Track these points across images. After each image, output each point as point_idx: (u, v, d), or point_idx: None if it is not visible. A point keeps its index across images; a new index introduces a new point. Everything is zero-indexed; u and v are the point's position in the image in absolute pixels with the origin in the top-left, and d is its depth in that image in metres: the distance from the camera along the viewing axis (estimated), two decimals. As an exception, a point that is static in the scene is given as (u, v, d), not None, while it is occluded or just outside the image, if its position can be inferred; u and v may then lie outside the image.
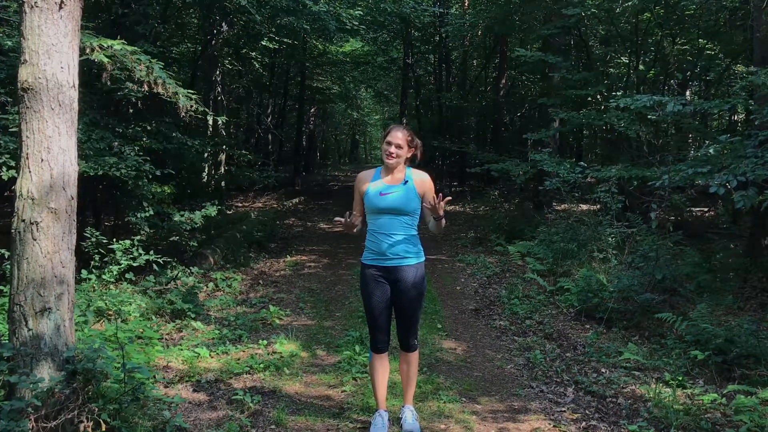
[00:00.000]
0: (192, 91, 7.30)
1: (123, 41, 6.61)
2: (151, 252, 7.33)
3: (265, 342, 6.05)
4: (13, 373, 3.47)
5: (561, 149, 15.51)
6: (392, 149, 4.02)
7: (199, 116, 7.76)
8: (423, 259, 4.29)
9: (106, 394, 3.78)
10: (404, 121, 27.04)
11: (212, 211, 8.72)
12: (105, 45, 6.30)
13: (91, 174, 7.20)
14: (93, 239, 7.27)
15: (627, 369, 5.52)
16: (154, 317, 6.63)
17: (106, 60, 6.34)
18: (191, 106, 7.13)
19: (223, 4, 12.15)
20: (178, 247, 9.10)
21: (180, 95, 6.94)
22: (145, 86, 6.79)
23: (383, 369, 4.25)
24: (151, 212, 8.12)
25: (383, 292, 4.15)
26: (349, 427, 4.30)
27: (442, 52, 24.17)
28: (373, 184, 4.15)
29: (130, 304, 6.51)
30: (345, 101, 32.07)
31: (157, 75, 6.73)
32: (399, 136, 4.06)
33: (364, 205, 4.22)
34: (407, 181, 4.11)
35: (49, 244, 3.54)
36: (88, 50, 6.13)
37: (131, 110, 9.64)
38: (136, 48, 6.69)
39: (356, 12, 12.71)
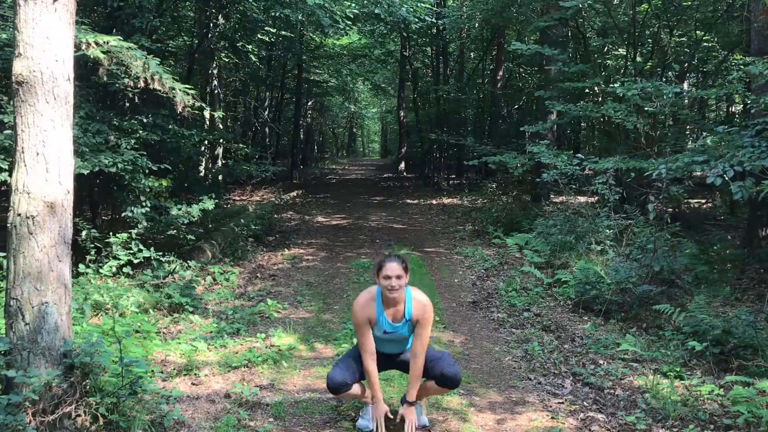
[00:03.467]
0: (189, 86, 7.27)
1: (119, 37, 6.58)
2: (152, 249, 7.32)
3: (263, 335, 6.05)
4: (10, 367, 3.46)
5: (558, 141, 15.49)
6: (394, 282, 3.98)
7: (196, 111, 7.73)
8: None
9: (104, 388, 3.77)
10: (401, 114, 27.07)
11: (209, 204, 8.70)
12: (101, 41, 6.27)
13: (85, 173, 7.17)
14: (86, 233, 7.25)
15: (625, 360, 5.53)
16: (151, 311, 6.63)
17: (102, 56, 6.31)
18: (188, 102, 7.11)
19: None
20: (175, 240, 9.09)
21: (177, 90, 6.92)
22: (142, 82, 6.77)
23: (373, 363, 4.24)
24: (149, 207, 8.11)
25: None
26: (347, 420, 4.31)
27: (439, 45, 24.11)
28: (379, 321, 4.10)
29: (128, 298, 6.50)
30: (342, 94, 32.04)
31: (153, 71, 6.71)
32: (395, 267, 4.00)
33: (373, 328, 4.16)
34: (408, 320, 4.10)
35: (46, 238, 3.53)
36: (84, 46, 6.10)
37: (127, 103, 9.61)
38: (131, 44, 6.66)
39: (349, 5, 12.67)
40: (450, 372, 4.06)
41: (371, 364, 4.08)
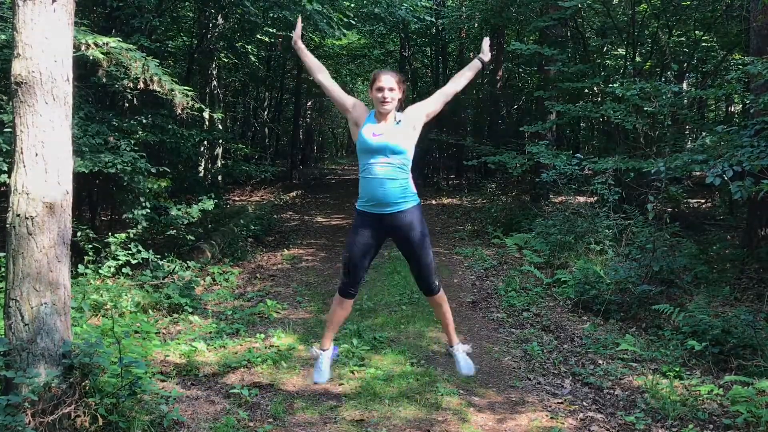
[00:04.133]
0: (188, 88, 7.27)
1: (118, 38, 6.58)
2: (150, 251, 7.32)
3: (262, 335, 6.05)
4: (9, 368, 3.46)
5: (558, 141, 15.49)
6: (386, 93, 3.93)
7: (195, 112, 7.74)
8: (419, 201, 4.24)
9: (103, 389, 3.77)
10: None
11: (209, 204, 8.70)
12: (100, 42, 6.27)
13: (86, 172, 7.17)
14: (83, 234, 7.25)
15: (624, 360, 5.53)
16: (151, 311, 6.63)
17: (101, 57, 6.31)
18: (187, 103, 7.11)
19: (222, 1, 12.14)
20: (175, 241, 9.09)
21: (176, 92, 6.92)
22: (141, 83, 6.77)
23: (343, 312, 4.36)
24: (148, 209, 8.10)
25: (368, 241, 4.11)
26: (346, 420, 4.31)
27: (438, 45, 24.11)
28: (367, 126, 4.04)
29: (127, 299, 6.50)
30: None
31: (153, 72, 6.71)
32: (390, 78, 3.96)
33: (356, 140, 4.11)
34: (399, 122, 4.03)
35: (45, 239, 3.53)
36: (83, 47, 6.11)
37: (127, 104, 9.61)
38: (131, 46, 6.66)
39: (349, 5, 12.66)
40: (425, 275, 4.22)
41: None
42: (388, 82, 3.93)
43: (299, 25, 4.38)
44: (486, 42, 4.48)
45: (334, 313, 4.39)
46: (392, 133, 4.00)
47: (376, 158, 4.00)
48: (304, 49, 4.31)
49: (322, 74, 4.23)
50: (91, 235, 7.39)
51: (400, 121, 4.02)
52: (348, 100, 4.16)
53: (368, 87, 4.07)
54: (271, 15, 11.43)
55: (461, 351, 4.49)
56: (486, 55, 4.40)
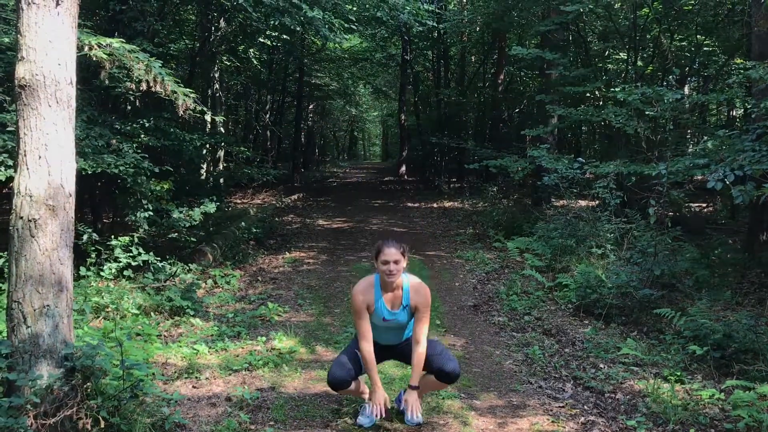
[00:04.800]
0: (190, 90, 7.28)
1: (121, 39, 6.59)
2: (151, 253, 7.33)
3: (263, 338, 6.06)
4: (11, 370, 3.47)
5: (559, 145, 15.53)
6: (392, 266, 4.04)
7: (197, 115, 7.75)
8: None
9: (105, 391, 3.78)
10: (402, 117, 27.12)
11: (211, 207, 8.71)
12: (103, 43, 6.28)
13: (90, 172, 7.19)
14: (86, 237, 7.26)
15: (625, 364, 5.53)
16: (152, 314, 6.63)
17: (104, 57, 6.32)
18: (190, 105, 7.12)
19: (221, 1, 12.13)
20: (176, 243, 9.10)
21: (179, 93, 6.92)
22: (144, 85, 6.77)
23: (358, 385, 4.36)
24: (150, 212, 8.12)
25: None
26: (347, 424, 4.31)
27: (440, 49, 24.15)
28: (377, 311, 4.17)
29: (129, 301, 6.51)
30: (343, 97, 32.01)
31: (156, 73, 6.72)
32: (393, 252, 4.06)
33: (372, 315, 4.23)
34: (406, 306, 4.17)
35: (48, 242, 3.54)
36: (86, 48, 6.11)
37: (129, 107, 9.63)
38: (134, 47, 6.67)
39: (350, 9, 12.67)
40: (449, 367, 4.10)
41: (368, 348, 4.12)
42: (393, 255, 4.06)
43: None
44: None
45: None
46: (399, 317, 4.21)
47: (384, 331, 4.27)
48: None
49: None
50: (93, 237, 7.40)
51: (406, 306, 4.18)
52: (365, 311, 4.18)
53: (373, 257, 4.19)
54: (272, 22, 11.45)
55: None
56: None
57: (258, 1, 9.10)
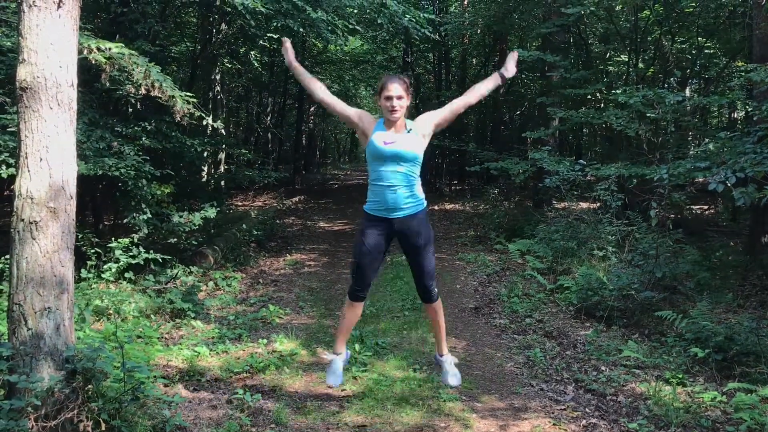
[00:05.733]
0: (190, 94, 7.28)
1: (121, 44, 6.59)
2: (150, 251, 7.32)
3: (264, 341, 6.05)
4: (12, 372, 3.46)
5: (560, 147, 15.52)
6: (395, 102, 3.95)
7: (195, 122, 7.75)
8: (425, 205, 4.27)
9: (106, 394, 3.77)
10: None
11: (211, 212, 8.70)
12: (103, 47, 6.29)
13: (90, 174, 7.19)
14: (85, 238, 7.26)
15: (627, 367, 5.52)
16: (153, 316, 6.63)
17: (104, 61, 6.33)
18: (188, 110, 7.11)
19: (222, 7, 12.14)
20: (177, 246, 9.10)
21: (177, 99, 6.92)
22: (143, 89, 6.78)
23: (354, 316, 4.40)
24: (149, 215, 8.11)
25: (377, 244, 4.15)
26: (348, 426, 4.30)
27: (441, 51, 24.14)
28: (377, 134, 4.06)
29: (130, 304, 6.50)
30: (345, 100, 32.00)
31: (154, 78, 6.72)
32: (397, 86, 3.97)
33: (366, 148, 4.13)
34: (410, 130, 4.07)
35: (49, 244, 3.54)
36: (86, 51, 6.12)
37: (131, 109, 9.63)
38: (133, 51, 6.67)
39: (352, 11, 12.69)
40: (425, 282, 4.30)
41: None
42: (397, 90, 3.96)
43: (290, 48, 4.37)
44: (513, 57, 4.45)
45: (345, 317, 4.43)
46: (403, 140, 4.04)
47: (387, 165, 4.06)
48: (300, 69, 4.32)
49: (321, 92, 4.24)
50: (94, 239, 7.40)
51: (410, 129, 4.07)
52: (352, 112, 4.19)
53: (376, 94, 4.09)
54: (275, 24, 11.45)
55: (449, 362, 4.53)
56: (509, 71, 4.39)
57: (255, 11, 9.11)
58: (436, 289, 4.35)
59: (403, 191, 4.08)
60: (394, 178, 4.06)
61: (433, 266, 4.28)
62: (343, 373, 4.52)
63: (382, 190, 4.07)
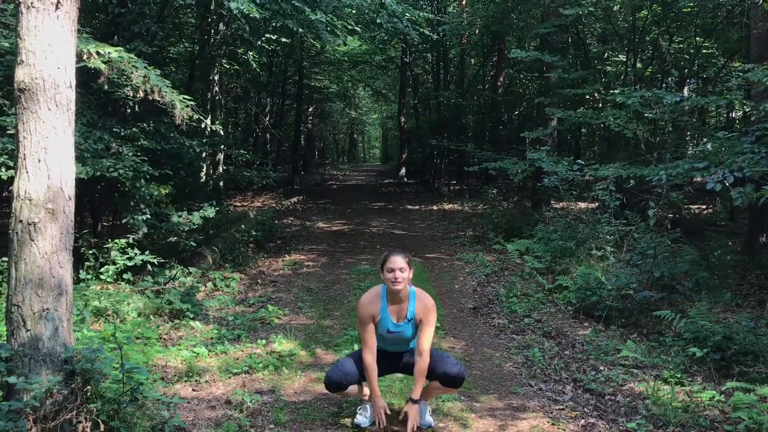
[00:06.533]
0: (188, 97, 7.28)
1: (120, 48, 6.59)
2: (147, 252, 7.32)
3: (263, 341, 6.06)
4: (11, 373, 3.46)
5: (559, 147, 15.54)
6: (397, 275, 4.07)
7: (194, 124, 7.74)
8: None
9: (105, 395, 3.77)
10: (402, 120, 27.16)
11: (210, 212, 8.70)
12: (102, 51, 6.28)
13: (87, 177, 7.18)
14: (84, 240, 7.26)
15: (625, 367, 5.53)
16: (152, 317, 6.63)
17: (102, 66, 6.32)
18: (187, 114, 7.11)
19: (219, 10, 12.17)
20: (176, 247, 9.10)
21: (176, 102, 6.91)
22: (141, 93, 6.77)
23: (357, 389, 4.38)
24: (148, 216, 8.12)
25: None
26: (347, 427, 4.31)
27: (439, 51, 24.17)
28: (383, 318, 4.19)
29: (128, 305, 6.50)
30: (343, 100, 32.05)
31: (153, 83, 6.71)
32: (399, 260, 4.10)
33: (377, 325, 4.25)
34: (411, 319, 4.20)
35: (47, 245, 3.53)
36: (85, 56, 6.12)
37: (129, 110, 9.63)
38: (132, 56, 6.67)
39: (350, 12, 12.71)
40: (453, 371, 4.14)
41: (370, 358, 4.16)
42: (399, 263, 4.10)
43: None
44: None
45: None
46: (404, 332, 4.23)
47: (389, 343, 4.30)
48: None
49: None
50: (92, 240, 7.39)
51: (411, 319, 4.20)
52: (369, 326, 4.21)
53: (379, 267, 4.22)
54: (274, 24, 11.46)
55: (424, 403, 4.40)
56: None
57: (250, 16, 9.11)
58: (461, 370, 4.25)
59: (402, 351, 4.38)
60: (394, 348, 4.35)
61: (454, 366, 4.19)
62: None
63: (384, 348, 4.31)
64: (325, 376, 4.23)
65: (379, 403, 4.15)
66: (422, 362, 4.13)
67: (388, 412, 4.19)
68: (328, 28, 10.61)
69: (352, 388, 4.24)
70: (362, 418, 4.28)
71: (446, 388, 4.26)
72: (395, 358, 4.37)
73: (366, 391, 4.32)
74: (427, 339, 4.14)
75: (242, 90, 22.98)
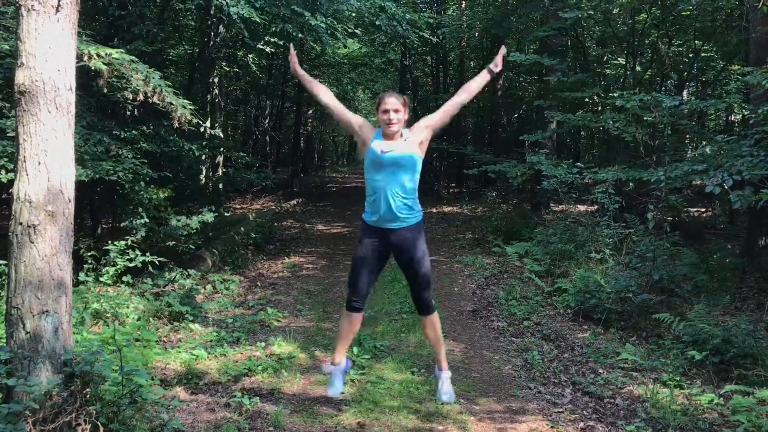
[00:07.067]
0: (188, 101, 7.28)
1: (121, 50, 6.60)
2: (147, 254, 7.32)
3: (263, 344, 6.05)
4: (10, 375, 3.46)
5: (558, 150, 15.53)
6: (392, 116, 4.04)
7: (193, 128, 7.75)
8: (421, 218, 4.32)
9: (104, 397, 3.77)
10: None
11: (209, 217, 8.70)
12: (103, 53, 6.29)
13: (87, 179, 7.18)
14: (84, 242, 7.26)
15: (624, 369, 5.53)
16: (151, 320, 6.63)
17: (103, 68, 6.33)
18: (187, 117, 7.11)
19: (218, 15, 12.18)
20: (175, 249, 9.09)
21: (176, 105, 6.92)
22: (141, 95, 6.78)
23: (351, 327, 4.42)
24: (146, 219, 8.11)
25: (374, 254, 4.23)
26: (346, 429, 4.31)
27: (439, 54, 24.18)
28: (375, 142, 4.15)
29: (128, 307, 6.50)
30: (343, 102, 32.02)
31: (155, 84, 6.72)
32: (393, 101, 4.08)
33: (365, 155, 4.20)
34: (407, 139, 4.15)
35: (47, 247, 3.54)
36: (86, 57, 6.13)
37: (128, 113, 9.63)
38: (134, 57, 6.67)
39: (350, 15, 12.74)
40: (423, 296, 4.33)
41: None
42: (393, 104, 4.07)
43: (293, 54, 4.47)
44: (502, 52, 4.59)
45: (343, 328, 4.47)
46: (400, 146, 4.13)
47: (385, 173, 4.13)
48: (305, 75, 4.48)
49: (327, 96, 4.40)
50: (92, 243, 7.39)
51: (407, 138, 4.15)
52: (353, 119, 4.30)
53: (374, 109, 4.20)
54: (273, 28, 11.47)
55: (447, 378, 4.54)
56: (497, 66, 4.47)
57: (249, 20, 9.12)
58: (432, 300, 4.38)
59: (400, 201, 4.15)
60: (391, 185, 4.12)
61: (429, 277, 4.33)
62: (343, 382, 4.53)
63: (379, 199, 4.13)
64: (349, 291, 4.36)
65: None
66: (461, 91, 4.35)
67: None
68: (328, 32, 10.63)
69: (355, 323, 4.38)
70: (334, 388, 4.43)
71: (422, 318, 4.40)
72: (393, 190, 4.15)
73: (338, 357, 4.48)
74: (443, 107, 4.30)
75: (242, 92, 23.00)
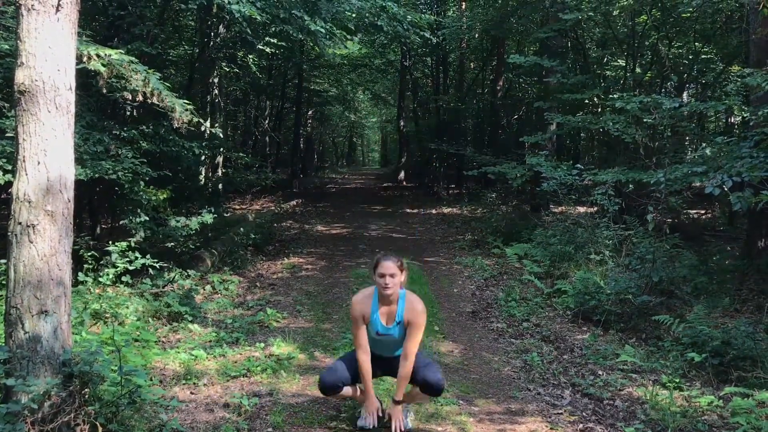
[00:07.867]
0: (188, 102, 7.27)
1: (120, 51, 6.59)
2: (148, 256, 7.31)
3: (262, 344, 6.05)
4: (9, 376, 3.46)
5: (558, 152, 15.53)
6: (388, 280, 4.10)
7: (193, 128, 7.74)
8: None
9: (103, 397, 3.77)
10: (401, 123, 27.19)
11: (208, 218, 8.69)
12: (102, 54, 6.28)
13: (86, 179, 7.18)
14: (83, 242, 7.25)
15: (624, 371, 5.53)
16: (151, 320, 6.62)
17: (102, 69, 6.32)
18: (187, 118, 7.10)
19: (219, 14, 12.17)
20: (175, 249, 9.09)
21: (176, 106, 6.91)
22: (140, 96, 6.77)
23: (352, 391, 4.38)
24: (146, 218, 8.11)
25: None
26: (345, 429, 4.30)
27: (439, 55, 24.19)
28: (373, 321, 4.22)
29: (127, 307, 6.49)
30: (342, 103, 32.08)
31: (153, 86, 6.71)
32: (390, 265, 4.13)
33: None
34: (399, 322, 4.21)
35: (46, 247, 3.53)
36: (85, 58, 6.12)
37: (128, 113, 9.63)
38: (133, 58, 6.66)
39: (350, 16, 12.76)
40: (432, 379, 4.13)
41: (364, 358, 4.20)
42: (390, 269, 4.12)
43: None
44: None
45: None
46: (393, 336, 4.23)
47: (378, 345, 4.29)
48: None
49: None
50: (91, 243, 7.38)
51: (400, 322, 4.21)
52: (360, 325, 4.25)
53: (371, 270, 4.24)
54: (273, 29, 11.47)
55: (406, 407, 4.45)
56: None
57: (251, 19, 9.12)
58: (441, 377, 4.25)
59: (391, 351, 4.33)
60: (382, 350, 4.32)
61: (436, 373, 4.22)
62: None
63: (374, 348, 4.29)
64: (318, 379, 4.24)
65: (370, 401, 4.20)
66: (407, 365, 4.15)
67: (380, 414, 4.23)
68: (327, 36, 10.63)
69: (347, 390, 4.26)
70: (363, 421, 4.27)
71: (425, 395, 4.25)
72: (383, 362, 4.36)
73: (360, 393, 4.33)
74: (413, 343, 4.15)
75: (242, 93, 23.00)
